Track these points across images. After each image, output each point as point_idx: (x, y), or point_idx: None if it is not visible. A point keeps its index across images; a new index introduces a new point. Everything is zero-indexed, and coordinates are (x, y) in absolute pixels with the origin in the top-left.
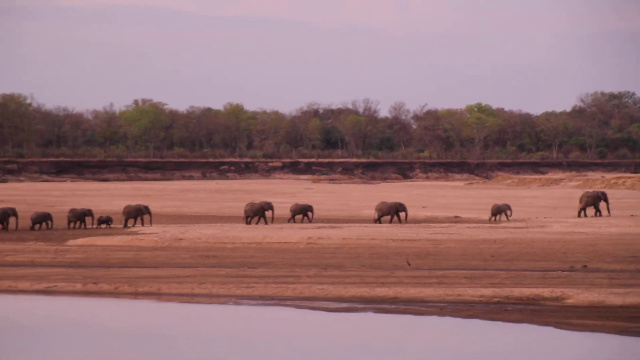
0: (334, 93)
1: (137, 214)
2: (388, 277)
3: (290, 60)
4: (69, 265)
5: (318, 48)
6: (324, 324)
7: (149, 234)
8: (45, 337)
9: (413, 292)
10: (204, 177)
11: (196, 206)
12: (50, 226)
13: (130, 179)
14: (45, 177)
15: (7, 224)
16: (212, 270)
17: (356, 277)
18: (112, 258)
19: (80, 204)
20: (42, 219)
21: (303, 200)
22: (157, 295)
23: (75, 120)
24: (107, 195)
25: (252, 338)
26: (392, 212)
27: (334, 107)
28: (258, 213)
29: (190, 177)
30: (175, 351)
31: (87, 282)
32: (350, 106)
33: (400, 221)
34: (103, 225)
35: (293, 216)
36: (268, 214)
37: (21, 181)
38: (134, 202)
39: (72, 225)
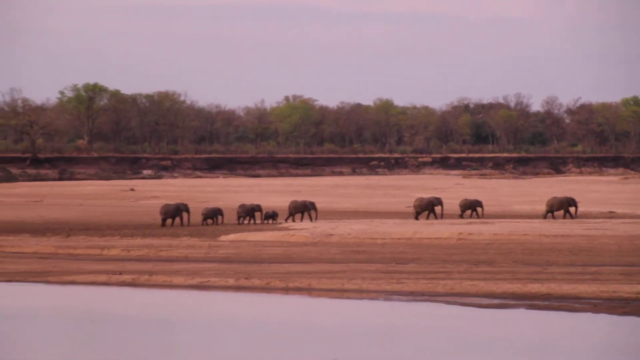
0: (484, 87)
1: (303, 209)
2: (541, 273)
3: (440, 55)
4: (222, 261)
5: (468, 41)
6: (475, 321)
7: (299, 229)
8: (215, 332)
9: (567, 288)
10: (353, 172)
11: (346, 202)
12: (221, 221)
13: (281, 175)
14: (198, 173)
15: (182, 219)
16: (362, 266)
17: (508, 273)
18: (264, 253)
19: (233, 200)
20: (213, 214)
21: (452, 196)
22: (308, 291)
23: (227, 117)
24: (259, 192)
25: (406, 334)
26: (564, 206)
27: (484, 101)
28: (427, 208)
29: (340, 173)
30: (335, 347)
31: (239, 278)
32: (501, 100)
33: (571, 216)
34: (270, 221)
35: (463, 211)
36: (438, 209)
37: (175, 177)
38: (287, 198)
39: (241, 220)
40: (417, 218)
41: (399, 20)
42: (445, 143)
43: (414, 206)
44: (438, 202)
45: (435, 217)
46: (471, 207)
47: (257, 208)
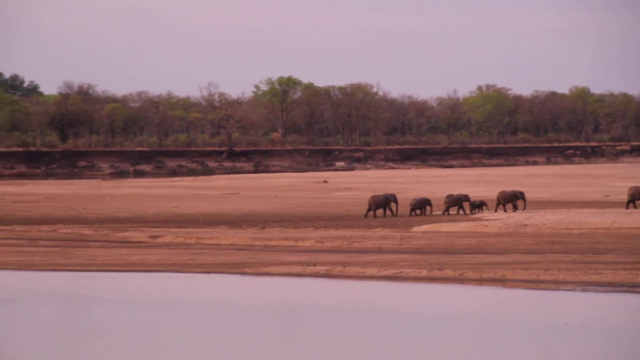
0: None
1: (512, 199)
2: None
3: (637, 40)
4: (414, 252)
5: None
6: None
7: (492, 220)
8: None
9: None
10: (548, 162)
11: (540, 191)
12: (429, 212)
13: (474, 165)
14: (390, 164)
15: (390, 209)
16: (557, 257)
17: None
18: (456, 244)
19: (424, 191)
20: (422, 205)
21: None
22: (502, 282)
23: (419, 108)
24: (452, 182)
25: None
26: None
27: None
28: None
29: (534, 162)
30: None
31: (432, 269)
32: None
33: None
34: (476, 210)
35: None
36: None
37: (367, 169)
38: (481, 189)
39: (447, 211)
40: (628, 207)
41: (595, 4)
42: None
43: (629, 195)
44: None
45: None
46: None
47: (465, 198)
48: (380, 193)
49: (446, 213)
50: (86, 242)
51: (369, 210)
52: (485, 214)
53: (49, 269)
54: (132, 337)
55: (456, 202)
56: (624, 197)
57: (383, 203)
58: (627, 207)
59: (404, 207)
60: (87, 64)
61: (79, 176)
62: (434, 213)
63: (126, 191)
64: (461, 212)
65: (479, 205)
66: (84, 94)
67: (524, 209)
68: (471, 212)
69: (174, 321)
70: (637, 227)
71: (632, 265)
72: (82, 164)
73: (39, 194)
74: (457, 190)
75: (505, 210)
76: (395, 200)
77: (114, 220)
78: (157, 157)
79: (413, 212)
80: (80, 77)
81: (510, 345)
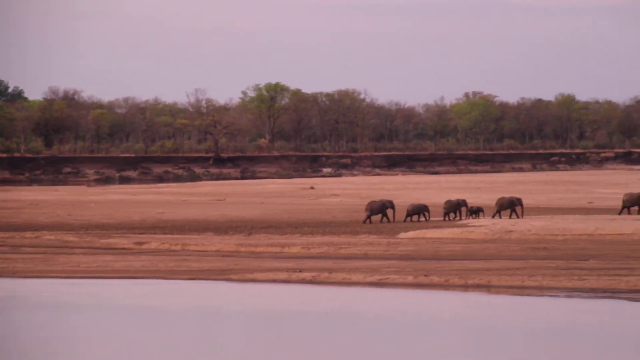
0: None
1: (510, 205)
2: None
3: (621, 48)
4: (400, 258)
5: None
6: None
7: (478, 226)
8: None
9: None
10: (533, 168)
11: (526, 198)
12: (427, 218)
13: (460, 172)
14: (377, 170)
15: (387, 215)
16: (542, 263)
17: None
18: (442, 250)
19: (412, 197)
20: (419, 211)
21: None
22: (487, 288)
23: (406, 114)
24: (438, 188)
25: (591, 332)
26: None
27: None
28: (638, 203)
29: (520, 169)
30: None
31: (418, 275)
32: None
33: None
34: (474, 216)
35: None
36: None
37: (354, 175)
38: (467, 195)
39: (447, 217)
40: (621, 213)
41: (581, 14)
42: (628, 138)
43: (623, 201)
44: None
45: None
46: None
47: (463, 203)
48: (368, 199)
49: (446, 218)
50: (70, 249)
51: (368, 216)
52: (471, 220)
53: (32, 275)
54: (114, 343)
55: (455, 207)
56: (608, 204)
57: (380, 209)
58: (620, 214)
59: (399, 214)
60: (73, 70)
61: (64, 182)
62: (432, 219)
63: (111, 197)
64: (458, 217)
65: (476, 211)
66: (70, 100)
67: (522, 215)
68: (467, 217)
69: (157, 328)
70: (620, 233)
71: (615, 271)
72: (67, 170)
73: (22, 200)
74: (443, 197)
75: (500, 217)
76: (392, 207)
77: (98, 227)
78: (143, 163)
79: (409, 218)
80: (65, 82)
81: (492, 351)
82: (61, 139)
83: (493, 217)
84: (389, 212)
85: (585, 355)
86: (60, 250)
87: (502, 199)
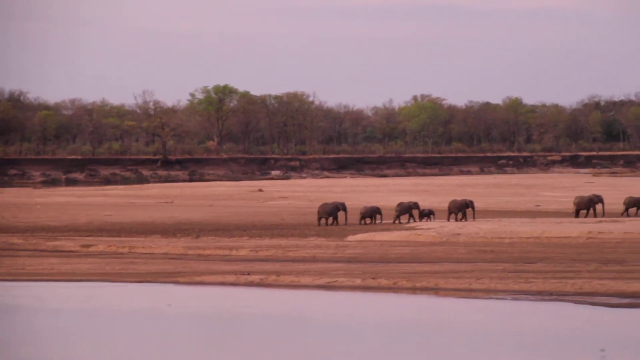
0: (615, 85)
1: (462, 208)
2: None
3: (570, 53)
4: (349, 261)
5: (599, 38)
6: (604, 321)
7: (426, 229)
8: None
9: None
10: (481, 171)
11: (474, 201)
12: (379, 220)
13: (409, 175)
14: (326, 173)
15: (335, 218)
16: (489, 266)
17: (639, 272)
18: (390, 253)
19: (360, 200)
20: (372, 214)
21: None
22: (435, 291)
23: (355, 117)
24: (387, 191)
25: (538, 334)
26: None
27: (615, 99)
28: (589, 206)
29: (468, 172)
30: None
31: (366, 278)
32: (633, 98)
33: None
34: (425, 218)
35: (626, 209)
36: (599, 207)
37: (303, 178)
38: (416, 198)
39: (398, 219)
40: (577, 216)
41: (529, 17)
42: (575, 141)
43: (575, 203)
44: (598, 199)
45: (595, 215)
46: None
47: (415, 206)
48: (317, 202)
49: (397, 221)
50: (16, 251)
51: (320, 218)
52: (419, 223)
53: None
54: (56, 346)
55: (406, 210)
56: (555, 207)
57: (332, 211)
58: (576, 217)
59: (352, 216)
60: (19, 70)
61: (9, 184)
62: (384, 221)
63: (58, 200)
64: (411, 220)
65: (427, 214)
66: (15, 101)
67: (474, 218)
68: (420, 220)
69: (102, 331)
70: (566, 236)
71: (561, 274)
72: (13, 172)
73: None
74: (392, 199)
75: (456, 219)
76: (345, 209)
77: (44, 229)
78: (90, 165)
79: (363, 221)
80: (11, 83)
81: (439, 353)
82: (6, 141)
83: (448, 219)
84: (341, 214)
85: (529, 354)
86: (5, 253)
87: (454, 201)
